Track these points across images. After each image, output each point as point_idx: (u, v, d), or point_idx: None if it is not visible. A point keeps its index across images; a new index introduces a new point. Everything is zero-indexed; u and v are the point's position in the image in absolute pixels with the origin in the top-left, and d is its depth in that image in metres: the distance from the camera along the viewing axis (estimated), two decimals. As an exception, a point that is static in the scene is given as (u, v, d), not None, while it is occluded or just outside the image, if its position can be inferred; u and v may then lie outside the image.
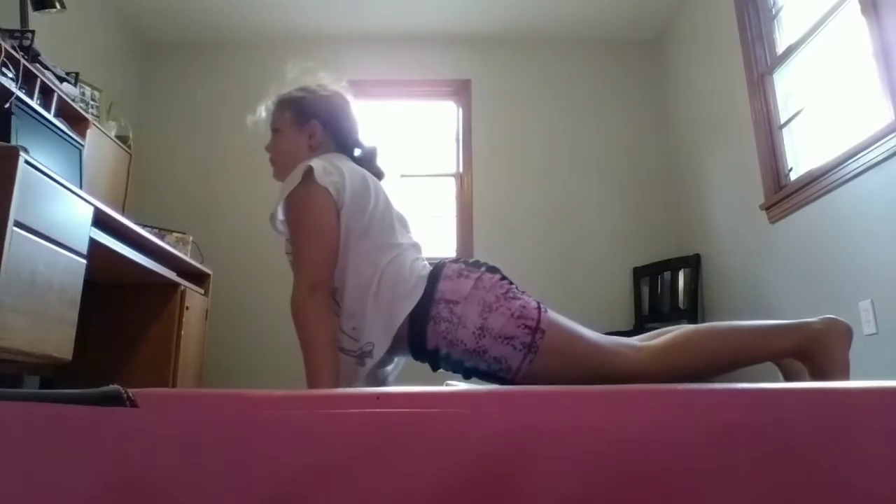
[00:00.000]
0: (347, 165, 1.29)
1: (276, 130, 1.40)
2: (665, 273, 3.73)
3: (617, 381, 1.00)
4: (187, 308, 3.01)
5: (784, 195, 2.81)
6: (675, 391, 0.66)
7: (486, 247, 3.83)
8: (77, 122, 2.88)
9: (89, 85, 3.17)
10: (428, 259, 1.28)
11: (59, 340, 2.06)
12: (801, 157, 2.88)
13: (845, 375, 1.06)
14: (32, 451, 0.54)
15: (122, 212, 2.88)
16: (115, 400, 0.55)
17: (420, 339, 1.14)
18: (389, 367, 1.28)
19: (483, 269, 1.18)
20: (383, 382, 1.27)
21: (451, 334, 1.11)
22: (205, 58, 4.19)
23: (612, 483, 0.54)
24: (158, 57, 4.19)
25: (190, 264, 3.13)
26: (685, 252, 3.70)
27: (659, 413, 0.57)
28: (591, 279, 3.82)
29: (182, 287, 2.99)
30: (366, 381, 1.17)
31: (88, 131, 2.94)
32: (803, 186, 2.66)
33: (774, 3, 3.11)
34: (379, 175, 1.40)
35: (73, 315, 2.13)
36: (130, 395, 0.56)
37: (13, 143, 2.22)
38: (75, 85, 2.96)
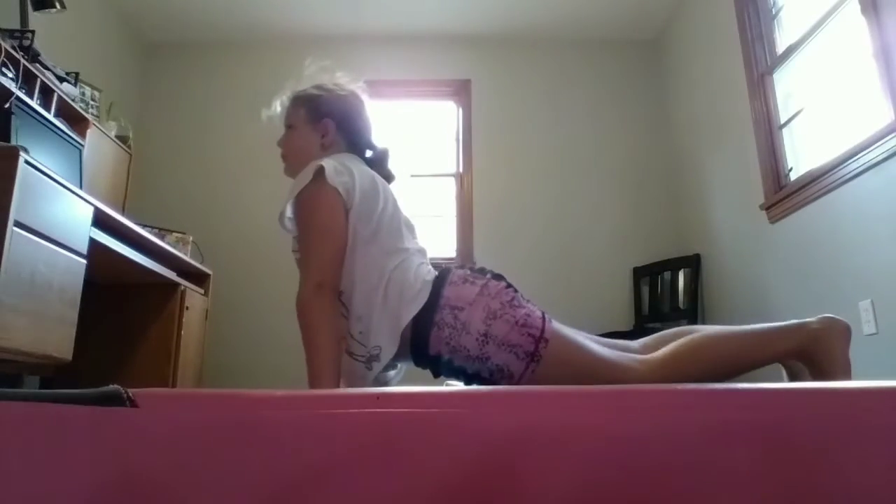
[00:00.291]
0: (358, 167, 1.29)
1: (289, 127, 1.40)
2: (665, 273, 3.73)
3: None
4: (187, 308, 3.01)
5: (784, 195, 2.81)
6: (675, 391, 0.66)
7: (486, 246, 3.83)
8: (77, 122, 2.88)
9: (89, 85, 3.17)
10: (430, 261, 1.28)
11: (59, 340, 2.06)
12: (801, 157, 2.88)
13: (847, 374, 1.06)
14: (32, 450, 0.54)
15: (122, 212, 2.88)
16: (115, 400, 0.55)
17: (423, 344, 1.14)
18: (392, 373, 1.28)
19: (488, 276, 1.18)
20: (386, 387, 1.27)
21: (455, 340, 1.11)
22: (205, 58, 4.19)
23: (612, 483, 0.54)
24: (158, 57, 4.19)
25: (190, 264, 3.14)
26: (685, 252, 3.70)
27: (659, 413, 0.57)
28: (590, 279, 3.82)
29: (182, 287, 2.99)
30: (371, 385, 1.17)
31: (88, 131, 2.94)
32: (803, 186, 2.66)
33: (774, 3, 3.11)
34: (389, 178, 1.40)
35: (73, 315, 2.13)
36: (130, 395, 0.56)
37: (13, 143, 2.21)
38: (75, 85, 2.96)
